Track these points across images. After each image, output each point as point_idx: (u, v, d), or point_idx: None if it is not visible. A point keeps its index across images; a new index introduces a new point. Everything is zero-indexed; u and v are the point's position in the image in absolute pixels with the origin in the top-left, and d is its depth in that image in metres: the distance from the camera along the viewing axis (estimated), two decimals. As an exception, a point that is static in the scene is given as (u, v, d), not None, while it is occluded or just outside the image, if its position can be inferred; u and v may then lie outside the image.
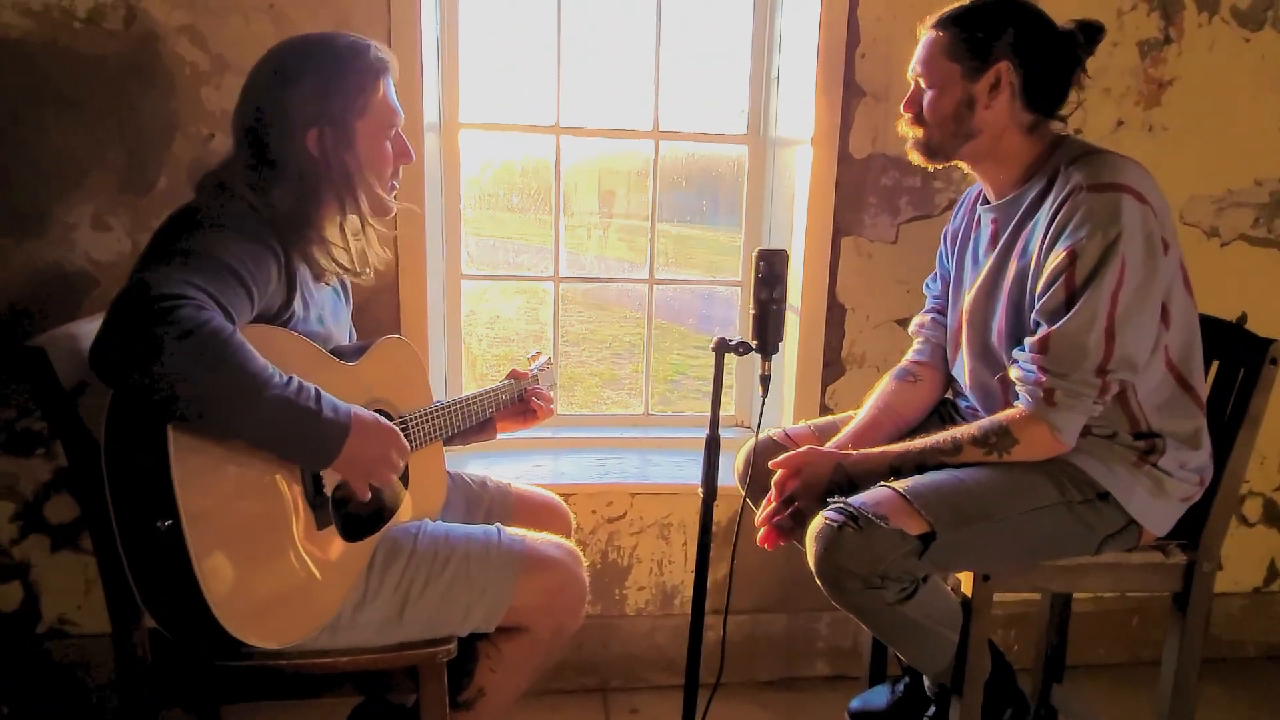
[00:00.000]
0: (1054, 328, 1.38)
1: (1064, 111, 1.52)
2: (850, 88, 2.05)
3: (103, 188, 1.90)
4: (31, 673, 2.08)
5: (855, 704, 1.84)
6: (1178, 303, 1.45)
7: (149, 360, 1.02)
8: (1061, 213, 1.39)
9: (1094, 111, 2.12)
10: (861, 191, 2.11)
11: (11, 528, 2.02)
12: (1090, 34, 1.46)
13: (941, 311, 1.76)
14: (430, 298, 2.08)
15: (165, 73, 1.87)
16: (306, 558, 1.25)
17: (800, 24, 2.12)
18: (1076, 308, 1.36)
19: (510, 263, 2.90)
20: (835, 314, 2.17)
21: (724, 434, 1.48)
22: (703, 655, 1.53)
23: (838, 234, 2.13)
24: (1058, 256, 1.38)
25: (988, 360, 1.58)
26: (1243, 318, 2.28)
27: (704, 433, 1.48)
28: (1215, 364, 1.60)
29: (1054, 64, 1.47)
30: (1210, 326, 1.58)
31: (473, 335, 2.88)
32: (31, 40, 1.82)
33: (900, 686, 1.79)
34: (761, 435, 1.71)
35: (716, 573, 2.09)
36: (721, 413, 1.47)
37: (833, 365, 2.20)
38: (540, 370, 1.83)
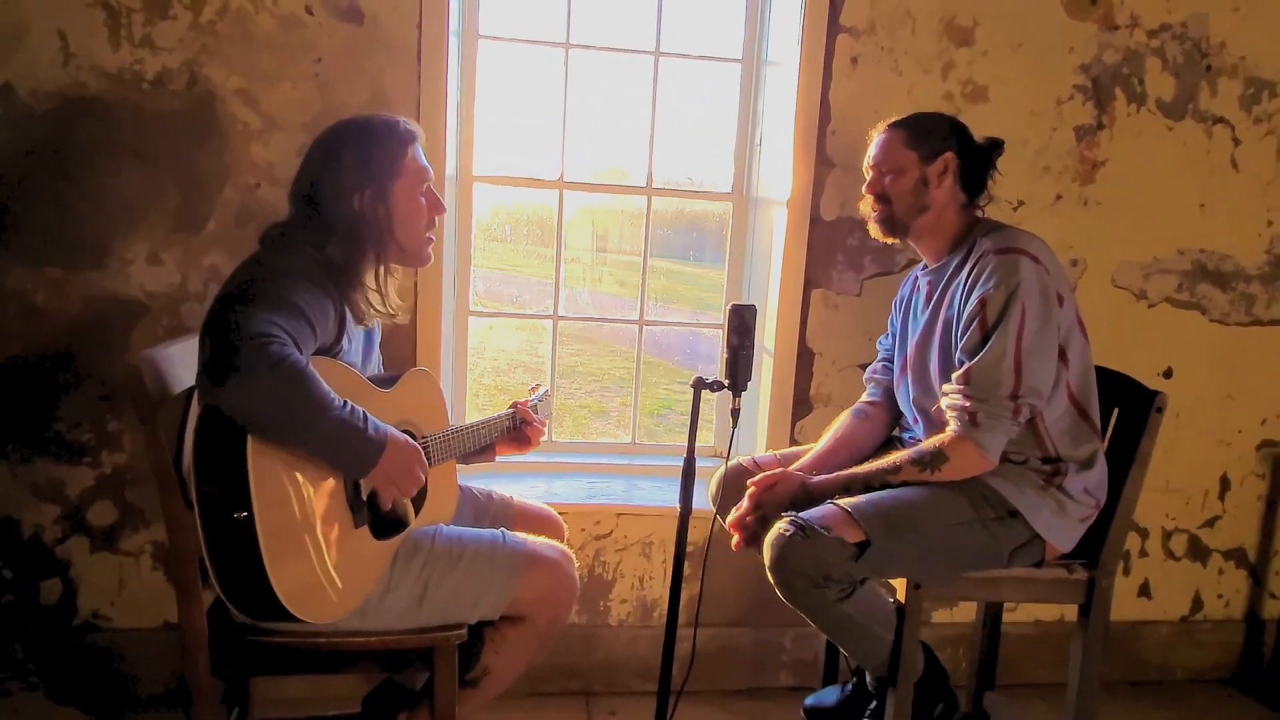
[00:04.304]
0: (973, 362, 1.69)
1: (981, 201, 1.89)
2: (822, 159, 2.33)
3: (158, 227, 2.14)
4: (65, 661, 2.27)
5: (809, 701, 2.08)
6: (1075, 346, 1.77)
7: (243, 385, 1.27)
8: (974, 271, 1.73)
9: (1036, 186, 2.40)
10: (830, 249, 2.38)
11: (56, 529, 2.22)
12: (996, 145, 1.86)
13: (890, 360, 2.06)
14: (442, 332, 2.32)
15: (220, 129, 2.12)
16: (346, 550, 1.49)
17: (779, 101, 2.40)
18: (989, 344, 1.67)
19: (515, 298, 3.15)
20: (805, 358, 2.43)
21: (703, 462, 1.73)
22: (676, 662, 1.75)
23: (808, 286, 2.39)
24: (972, 305, 1.71)
25: (926, 390, 1.88)
26: (1168, 371, 2.55)
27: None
28: (1115, 410, 1.88)
29: (978, 160, 1.84)
30: (1111, 379, 1.89)
31: (480, 365, 3.11)
32: (106, 98, 2.07)
33: (848, 686, 2.03)
34: (731, 462, 1.96)
35: (692, 588, 2.32)
36: (701, 444, 1.71)
37: (802, 404, 2.45)
38: (539, 400, 2.07)
